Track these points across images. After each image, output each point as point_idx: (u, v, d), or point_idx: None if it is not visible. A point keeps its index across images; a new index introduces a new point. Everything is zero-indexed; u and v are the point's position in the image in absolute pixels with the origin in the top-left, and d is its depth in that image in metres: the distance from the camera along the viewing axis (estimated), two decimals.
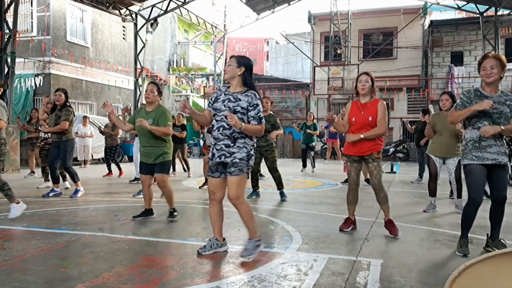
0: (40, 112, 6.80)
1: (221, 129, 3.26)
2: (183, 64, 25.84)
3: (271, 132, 6.25)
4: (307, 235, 4.10)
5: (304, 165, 11.82)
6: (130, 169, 10.36)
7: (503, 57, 3.42)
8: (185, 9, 18.06)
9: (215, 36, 22.70)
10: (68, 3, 16.25)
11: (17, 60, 12.10)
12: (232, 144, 3.24)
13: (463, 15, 21.11)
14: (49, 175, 7.47)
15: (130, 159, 14.15)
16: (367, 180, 8.25)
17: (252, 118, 3.23)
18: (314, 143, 11.68)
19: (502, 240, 3.48)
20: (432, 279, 2.88)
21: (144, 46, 16.99)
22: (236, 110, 3.22)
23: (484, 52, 15.82)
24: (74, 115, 6.64)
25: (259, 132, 3.27)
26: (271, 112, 6.49)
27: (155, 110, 4.69)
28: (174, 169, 10.34)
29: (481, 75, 3.44)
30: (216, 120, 3.30)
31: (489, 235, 3.54)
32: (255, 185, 6.63)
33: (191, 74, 25.32)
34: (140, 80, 17.27)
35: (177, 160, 10.39)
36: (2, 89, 5.05)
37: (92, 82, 17.86)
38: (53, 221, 4.74)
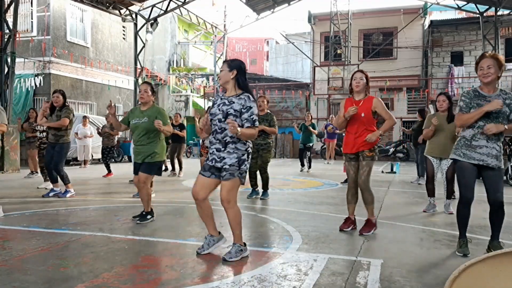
0: (39, 117, 6.79)
1: (214, 133, 3.31)
2: (183, 64, 25.85)
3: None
4: (307, 235, 4.10)
5: (302, 165, 11.85)
6: (130, 169, 10.35)
7: (501, 56, 3.40)
8: (185, 9, 18.06)
9: (215, 36, 22.71)
10: (68, 3, 16.25)
11: (17, 60, 12.10)
12: (222, 149, 3.26)
13: (463, 15, 21.11)
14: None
15: (130, 159, 14.15)
16: (346, 180, 8.28)
17: (245, 121, 3.23)
18: (311, 144, 11.71)
19: (499, 242, 3.46)
20: (432, 279, 2.88)
21: (144, 46, 16.99)
22: (229, 112, 3.23)
23: (488, 51, 15.82)
24: (74, 116, 6.65)
25: (253, 136, 3.28)
26: (268, 111, 6.49)
27: (149, 109, 4.69)
28: (173, 168, 10.35)
29: (478, 75, 3.43)
30: (212, 125, 3.35)
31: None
32: (254, 184, 6.63)
33: (191, 74, 25.32)
34: (140, 80, 17.27)
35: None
36: None
37: (92, 82, 17.86)
38: (53, 221, 4.74)
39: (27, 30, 15.81)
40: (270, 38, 37.18)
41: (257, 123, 3.26)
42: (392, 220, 4.93)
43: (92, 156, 13.67)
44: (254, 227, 4.50)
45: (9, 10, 11.60)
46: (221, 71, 3.35)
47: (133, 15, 16.60)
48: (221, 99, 3.36)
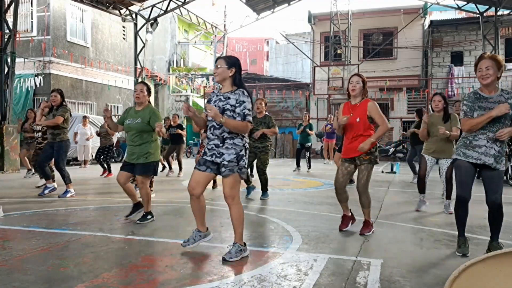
0: (38, 116, 6.80)
1: (212, 129, 3.33)
2: (183, 64, 25.86)
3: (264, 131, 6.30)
4: (307, 235, 4.10)
5: (298, 165, 11.87)
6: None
7: (499, 57, 3.39)
8: (185, 9, 18.06)
9: (215, 36, 22.72)
10: (68, 3, 16.26)
11: (17, 60, 12.11)
12: (221, 145, 3.29)
13: (463, 15, 21.12)
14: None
15: None
16: (350, 181, 8.29)
17: (237, 115, 3.25)
18: (309, 144, 11.75)
19: (499, 243, 3.44)
20: (432, 279, 2.88)
21: (144, 46, 17.00)
22: (225, 108, 3.26)
23: (486, 52, 15.83)
24: (71, 114, 6.66)
25: (241, 127, 3.24)
26: (267, 113, 6.51)
27: (144, 110, 4.67)
28: (170, 168, 10.37)
29: (477, 76, 3.41)
30: (208, 121, 3.36)
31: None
32: (247, 182, 6.68)
33: (191, 74, 25.33)
34: (140, 80, 17.27)
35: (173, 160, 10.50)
36: None
37: (92, 82, 17.87)
38: (53, 221, 4.74)
39: (27, 30, 15.82)
40: (270, 38, 37.17)
41: (249, 117, 3.26)
42: (392, 220, 4.94)
43: (92, 156, 13.67)
44: (254, 227, 4.50)
45: (9, 10, 11.61)
46: (217, 67, 3.33)
47: (133, 15, 16.60)
48: (217, 95, 3.39)
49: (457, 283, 1.38)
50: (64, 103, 6.52)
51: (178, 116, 10.55)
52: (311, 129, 11.65)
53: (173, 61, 25.43)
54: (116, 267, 3.05)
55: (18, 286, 2.65)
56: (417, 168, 6.22)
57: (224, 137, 3.28)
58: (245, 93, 3.30)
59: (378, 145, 12.72)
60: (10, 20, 11.56)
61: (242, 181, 6.43)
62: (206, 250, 3.53)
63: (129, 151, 4.70)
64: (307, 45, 23.28)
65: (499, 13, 16.34)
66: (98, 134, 10.49)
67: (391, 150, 17.09)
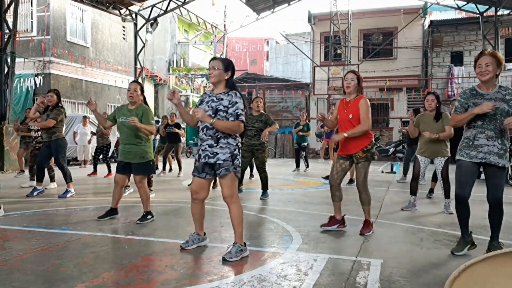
0: (32, 110, 6.79)
1: (204, 129, 3.36)
2: (183, 64, 25.86)
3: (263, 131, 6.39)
4: (307, 235, 4.10)
5: (298, 165, 11.91)
6: None
7: (499, 54, 3.39)
8: (185, 9, 18.06)
9: (215, 36, 22.72)
10: (68, 3, 16.25)
11: (17, 60, 12.10)
12: (215, 144, 3.32)
13: (463, 15, 21.11)
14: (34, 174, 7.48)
15: None
16: (350, 181, 8.33)
17: (230, 115, 3.30)
18: (306, 143, 11.80)
19: (499, 243, 3.45)
20: (432, 279, 2.88)
21: (144, 46, 16.99)
22: (218, 108, 3.30)
23: (487, 49, 15.82)
24: (65, 116, 6.65)
25: (233, 127, 3.28)
26: (262, 111, 6.53)
27: (137, 108, 4.67)
28: (164, 168, 10.37)
29: (476, 72, 3.42)
30: (201, 121, 3.37)
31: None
32: (239, 183, 6.67)
33: (191, 74, 25.33)
34: (140, 80, 17.27)
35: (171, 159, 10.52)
36: None
37: (92, 82, 17.86)
38: (53, 221, 4.74)
39: (27, 30, 15.81)
40: (270, 38, 37.14)
41: (241, 117, 3.30)
42: (392, 220, 4.94)
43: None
44: (254, 227, 4.50)
45: (9, 10, 11.60)
46: (214, 68, 3.36)
47: (133, 15, 16.60)
48: (209, 96, 3.43)
49: (457, 283, 1.38)
50: (60, 104, 6.52)
51: (176, 115, 10.56)
52: (308, 128, 11.68)
53: (173, 61, 25.43)
54: (116, 267, 3.05)
55: (18, 286, 2.65)
56: (410, 170, 6.24)
57: (218, 136, 3.32)
58: (238, 94, 3.37)
59: (378, 145, 12.88)
60: (10, 20, 11.56)
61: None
62: (206, 250, 3.53)
63: (124, 150, 4.67)
64: (307, 45, 23.27)
65: (499, 13, 16.34)
66: (94, 133, 10.51)
67: (391, 150, 17.08)
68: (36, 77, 15.69)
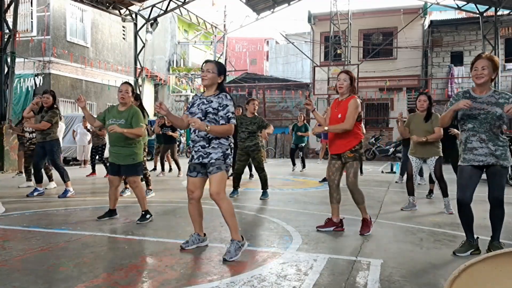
0: (27, 110, 6.79)
1: (196, 131, 3.40)
2: (183, 64, 25.85)
3: (261, 132, 6.46)
4: (307, 235, 4.10)
5: (294, 164, 11.97)
6: None
7: (496, 58, 3.40)
8: (185, 9, 18.06)
9: (215, 36, 22.71)
10: (68, 3, 16.25)
11: (17, 60, 12.10)
12: (207, 145, 3.38)
13: (463, 15, 21.12)
14: (31, 175, 7.48)
15: None
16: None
17: (221, 118, 3.36)
18: (304, 144, 11.84)
19: (499, 243, 3.45)
20: (432, 279, 2.88)
21: (144, 46, 17.00)
22: (208, 111, 3.37)
23: (484, 52, 15.83)
24: (61, 118, 6.68)
25: (226, 131, 3.37)
26: (256, 114, 6.60)
27: (127, 110, 4.65)
28: (163, 169, 10.38)
29: (472, 75, 3.44)
30: (201, 131, 3.39)
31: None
32: (237, 185, 6.75)
33: (191, 74, 25.31)
34: (140, 80, 17.28)
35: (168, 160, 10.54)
36: None
37: (92, 82, 17.86)
38: (53, 221, 4.74)
39: (27, 30, 15.81)
40: (270, 38, 37.14)
41: (232, 120, 3.37)
42: (392, 220, 4.94)
43: None
44: (254, 227, 4.50)
45: (9, 10, 11.60)
46: (208, 71, 3.41)
47: (133, 15, 16.60)
48: (200, 99, 3.49)
49: (457, 283, 1.38)
50: (55, 105, 6.53)
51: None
52: (306, 129, 11.70)
53: (173, 61, 25.42)
54: (116, 267, 3.05)
55: (18, 286, 2.65)
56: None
57: (210, 137, 3.38)
58: (228, 96, 3.43)
59: (378, 145, 12.92)
60: (10, 20, 11.56)
61: (230, 182, 6.57)
62: (206, 250, 3.53)
63: (114, 152, 4.66)
64: (307, 45, 23.27)
65: (499, 13, 16.35)
66: (89, 130, 10.52)
67: (391, 150, 17.09)
68: (36, 77, 15.69)
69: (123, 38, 19.66)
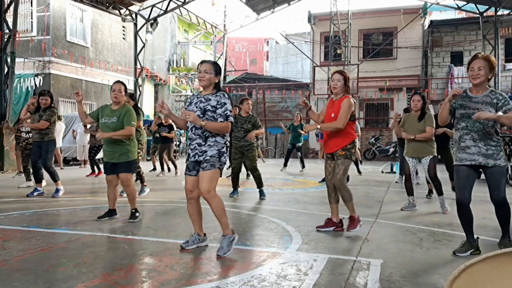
0: (23, 111, 6.81)
1: (193, 129, 3.46)
2: (183, 64, 25.84)
3: (250, 132, 6.50)
4: (307, 235, 4.10)
5: (285, 165, 11.97)
6: None
7: (493, 58, 3.40)
8: (185, 9, 18.05)
9: (215, 36, 22.71)
10: (68, 3, 16.25)
11: (17, 60, 12.09)
12: (203, 143, 3.42)
13: (463, 15, 21.11)
14: (30, 175, 7.48)
15: None
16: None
17: (219, 116, 3.41)
18: (300, 144, 11.85)
19: (510, 240, 3.46)
20: (432, 279, 2.88)
21: (144, 46, 16.99)
22: (206, 109, 3.41)
23: (484, 52, 15.82)
24: (60, 118, 6.72)
25: (223, 128, 3.40)
26: (251, 113, 6.68)
27: (120, 108, 4.66)
28: (162, 169, 10.39)
29: (468, 75, 3.46)
30: (196, 124, 3.43)
31: None
32: (236, 185, 6.78)
33: (191, 74, 25.31)
34: (140, 80, 17.27)
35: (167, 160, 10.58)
36: None
37: (92, 82, 17.85)
38: (53, 221, 4.74)
39: (27, 30, 15.80)
40: (270, 38, 37.13)
41: (230, 118, 3.42)
42: (392, 220, 4.94)
43: None
44: (254, 227, 4.51)
45: (9, 10, 11.60)
46: (204, 71, 3.45)
47: (133, 15, 16.60)
48: (197, 97, 3.53)
49: (457, 283, 1.38)
50: (53, 105, 6.57)
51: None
52: (302, 129, 11.72)
53: (173, 61, 25.41)
54: (116, 267, 3.05)
55: (18, 286, 2.65)
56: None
57: (206, 135, 3.42)
58: (226, 95, 3.48)
59: (378, 145, 12.91)
60: (10, 20, 11.55)
61: (229, 182, 6.60)
62: (206, 250, 3.53)
63: (108, 150, 4.66)
64: (307, 45, 23.27)
65: (499, 13, 16.34)
66: (85, 125, 10.52)
67: (391, 150, 17.09)
68: (36, 77, 15.68)
69: (123, 38, 19.65)
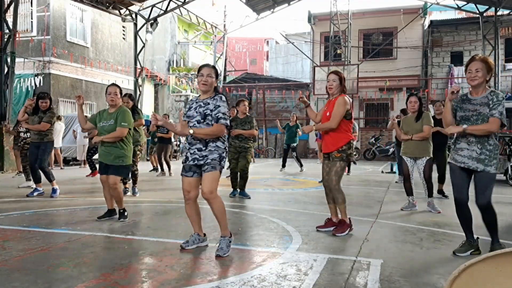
0: (20, 113, 6.81)
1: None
2: (183, 64, 25.83)
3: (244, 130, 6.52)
4: (307, 235, 4.10)
5: (284, 166, 11.99)
6: None
7: (490, 60, 3.41)
8: (185, 9, 18.05)
9: (215, 36, 22.70)
10: (68, 3, 16.24)
11: (17, 60, 12.09)
12: (204, 148, 3.43)
13: (463, 15, 21.11)
14: (30, 175, 7.48)
15: None
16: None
17: (213, 119, 3.43)
18: (295, 144, 11.88)
19: (500, 244, 3.44)
20: (432, 279, 2.88)
21: (144, 46, 16.98)
22: (206, 113, 3.44)
23: (484, 52, 15.82)
24: (60, 118, 6.74)
25: (213, 132, 3.40)
26: (248, 114, 6.71)
27: (116, 111, 4.68)
28: (162, 169, 10.40)
29: (466, 77, 3.46)
30: (190, 127, 3.45)
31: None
32: (235, 185, 6.78)
33: (191, 74, 25.31)
34: (140, 80, 17.27)
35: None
36: None
37: (92, 82, 17.85)
38: (53, 221, 4.74)
39: (27, 30, 15.80)
40: (270, 38, 37.11)
41: (222, 120, 3.41)
42: (392, 220, 4.94)
43: None
44: (254, 227, 4.51)
45: (9, 10, 11.59)
46: (208, 75, 3.46)
47: (133, 15, 16.58)
48: (196, 102, 3.55)
49: (457, 283, 1.38)
50: (52, 106, 6.59)
51: (168, 117, 10.65)
52: (297, 129, 11.81)
53: (173, 61, 25.40)
54: (116, 267, 3.05)
55: (18, 286, 2.65)
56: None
57: (207, 140, 3.42)
58: (223, 98, 3.50)
59: (378, 145, 12.93)
60: (10, 20, 11.55)
61: (229, 182, 6.60)
62: (206, 250, 3.54)
63: (104, 151, 4.67)
64: (307, 45, 23.27)
65: (499, 13, 16.34)
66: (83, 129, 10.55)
67: (391, 150, 17.08)
68: (36, 77, 15.68)
69: (123, 38, 19.65)
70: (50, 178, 6.52)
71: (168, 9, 16.85)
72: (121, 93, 4.81)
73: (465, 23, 19.07)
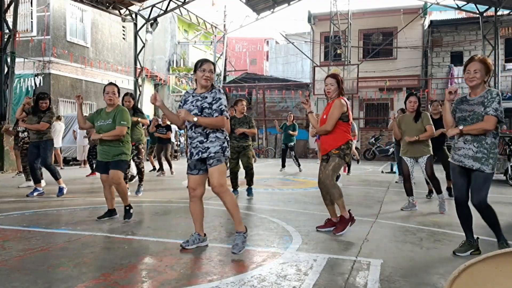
0: (18, 111, 6.82)
1: (193, 127, 3.49)
2: (183, 64, 25.84)
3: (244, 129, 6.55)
4: (307, 235, 4.10)
5: (283, 166, 12.01)
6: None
7: (489, 61, 3.40)
8: (185, 9, 18.05)
9: (215, 36, 22.70)
10: (68, 3, 16.24)
11: (17, 60, 12.09)
12: (205, 140, 3.46)
13: (463, 15, 21.10)
14: (30, 175, 7.49)
15: None
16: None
17: (214, 111, 3.44)
18: (293, 143, 11.94)
19: (502, 243, 3.45)
20: (432, 279, 2.88)
21: (144, 46, 16.98)
22: (204, 106, 3.45)
23: (484, 52, 15.82)
24: (60, 118, 6.77)
25: (217, 122, 3.43)
26: (246, 114, 6.73)
27: (114, 110, 4.69)
28: (162, 169, 10.41)
29: (464, 77, 3.47)
30: (188, 121, 3.46)
31: None
32: (235, 185, 6.82)
33: (191, 74, 25.31)
34: (140, 80, 17.27)
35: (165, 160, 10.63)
36: None
37: (92, 82, 17.85)
38: (53, 221, 4.74)
39: (27, 30, 15.80)
40: (270, 38, 37.11)
41: (225, 112, 3.44)
42: (392, 220, 4.94)
43: None
44: (254, 227, 4.50)
45: (9, 10, 11.60)
46: (210, 71, 3.48)
47: (133, 15, 16.59)
48: (193, 96, 3.56)
49: (457, 283, 1.38)
50: (51, 106, 6.63)
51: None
52: (294, 129, 11.92)
53: (173, 61, 25.41)
54: (116, 267, 3.05)
55: (18, 286, 2.65)
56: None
57: (207, 132, 3.45)
58: (221, 91, 3.53)
59: (378, 145, 12.95)
60: (10, 20, 11.55)
61: (229, 182, 6.62)
62: (206, 250, 3.53)
63: (102, 150, 4.69)
64: (307, 45, 23.26)
65: (499, 13, 16.33)
66: (86, 132, 10.56)
67: (391, 150, 17.08)
68: (36, 77, 15.67)
69: (123, 38, 19.65)
70: (56, 176, 6.53)
71: (168, 9, 16.85)
72: (118, 92, 4.81)
73: (465, 23, 19.06)
